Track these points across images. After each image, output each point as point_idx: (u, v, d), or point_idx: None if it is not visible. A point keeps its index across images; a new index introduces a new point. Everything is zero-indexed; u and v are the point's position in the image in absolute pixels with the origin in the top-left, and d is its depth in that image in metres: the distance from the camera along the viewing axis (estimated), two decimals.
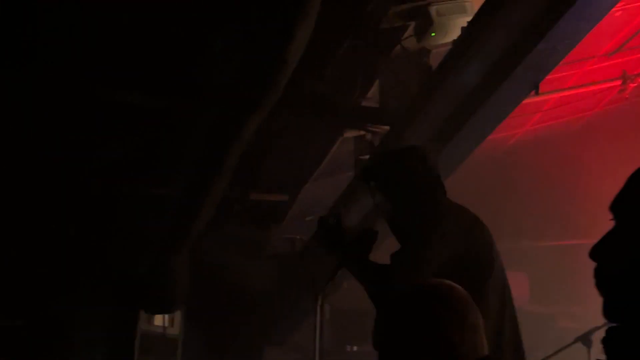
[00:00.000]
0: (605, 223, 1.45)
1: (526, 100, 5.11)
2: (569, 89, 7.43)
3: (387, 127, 5.85)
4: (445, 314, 2.09)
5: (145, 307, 7.68)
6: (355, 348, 8.79)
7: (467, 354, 2.06)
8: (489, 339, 2.14)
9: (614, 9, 4.37)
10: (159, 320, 7.91)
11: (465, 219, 3.50)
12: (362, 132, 6.11)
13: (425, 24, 5.14)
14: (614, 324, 1.37)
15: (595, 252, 1.40)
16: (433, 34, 5.15)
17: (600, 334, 1.41)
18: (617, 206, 1.42)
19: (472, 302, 2.15)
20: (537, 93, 4.74)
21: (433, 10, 5.07)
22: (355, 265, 3.54)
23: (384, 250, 3.68)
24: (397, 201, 3.61)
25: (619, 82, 7.29)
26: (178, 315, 8.10)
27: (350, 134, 6.19)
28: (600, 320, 1.38)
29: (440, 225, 3.40)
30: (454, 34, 5.02)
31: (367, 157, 6.11)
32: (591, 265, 1.42)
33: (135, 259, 7.35)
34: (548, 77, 4.70)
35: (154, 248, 6.87)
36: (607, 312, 1.37)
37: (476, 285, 2.92)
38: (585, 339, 5.63)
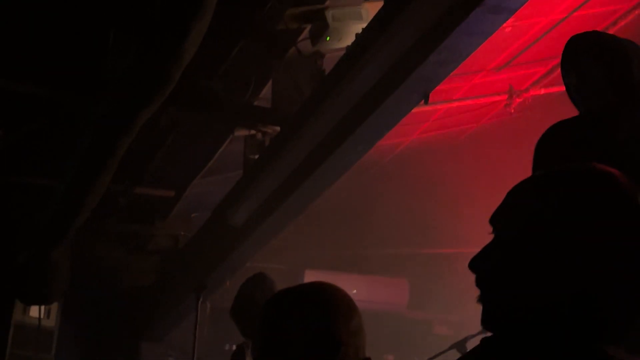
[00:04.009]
0: (484, 233, 1.49)
1: (415, 109, 5.19)
2: (457, 100, 7.57)
3: (277, 128, 5.87)
4: (330, 314, 2.08)
5: (21, 297, 7.50)
6: (234, 347, 8.77)
7: (350, 354, 2.06)
8: None
9: (504, 25, 4.48)
10: (34, 311, 7.73)
11: None
12: (252, 132, 6.12)
13: (321, 28, 5.17)
14: (489, 334, 1.42)
15: (474, 264, 1.44)
16: (328, 39, 5.19)
17: (475, 341, 1.45)
18: (496, 220, 1.47)
19: (356, 306, 2.15)
20: (426, 102, 4.82)
21: (329, 14, 5.10)
22: None
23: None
24: None
25: (505, 97, 7.47)
26: (55, 307, 7.93)
27: (240, 132, 6.19)
28: (476, 328, 1.42)
29: None
30: (349, 39, 5.06)
31: (256, 156, 6.13)
32: (468, 274, 1.46)
33: (14, 248, 7.17)
34: (437, 87, 4.79)
35: (34, 238, 6.71)
36: (485, 321, 1.41)
37: None
38: (460, 346, 5.74)
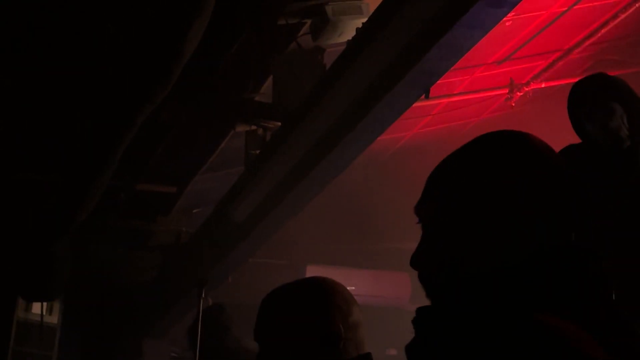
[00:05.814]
0: None
1: (416, 104, 5.19)
2: (458, 94, 7.57)
3: (278, 123, 5.87)
4: (329, 308, 2.07)
5: (23, 294, 7.51)
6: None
7: (350, 349, 2.06)
8: None
9: (504, 19, 4.47)
10: (37, 308, 7.74)
11: None
12: (253, 127, 6.11)
13: (321, 22, 5.16)
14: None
15: (414, 260, 1.43)
16: (328, 33, 5.19)
17: None
18: (418, 209, 1.46)
19: (354, 300, 2.15)
20: (427, 97, 4.82)
21: (329, 9, 5.10)
22: None
23: None
24: None
25: (506, 90, 7.47)
26: (57, 304, 7.94)
27: (241, 128, 6.18)
28: None
29: None
30: (349, 34, 5.06)
31: (258, 152, 6.13)
32: None
33: (16, 245, 7.18)
34: (438, 81, 4.78)
35: (35, 235, 6.72)
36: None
37: None
38: None
